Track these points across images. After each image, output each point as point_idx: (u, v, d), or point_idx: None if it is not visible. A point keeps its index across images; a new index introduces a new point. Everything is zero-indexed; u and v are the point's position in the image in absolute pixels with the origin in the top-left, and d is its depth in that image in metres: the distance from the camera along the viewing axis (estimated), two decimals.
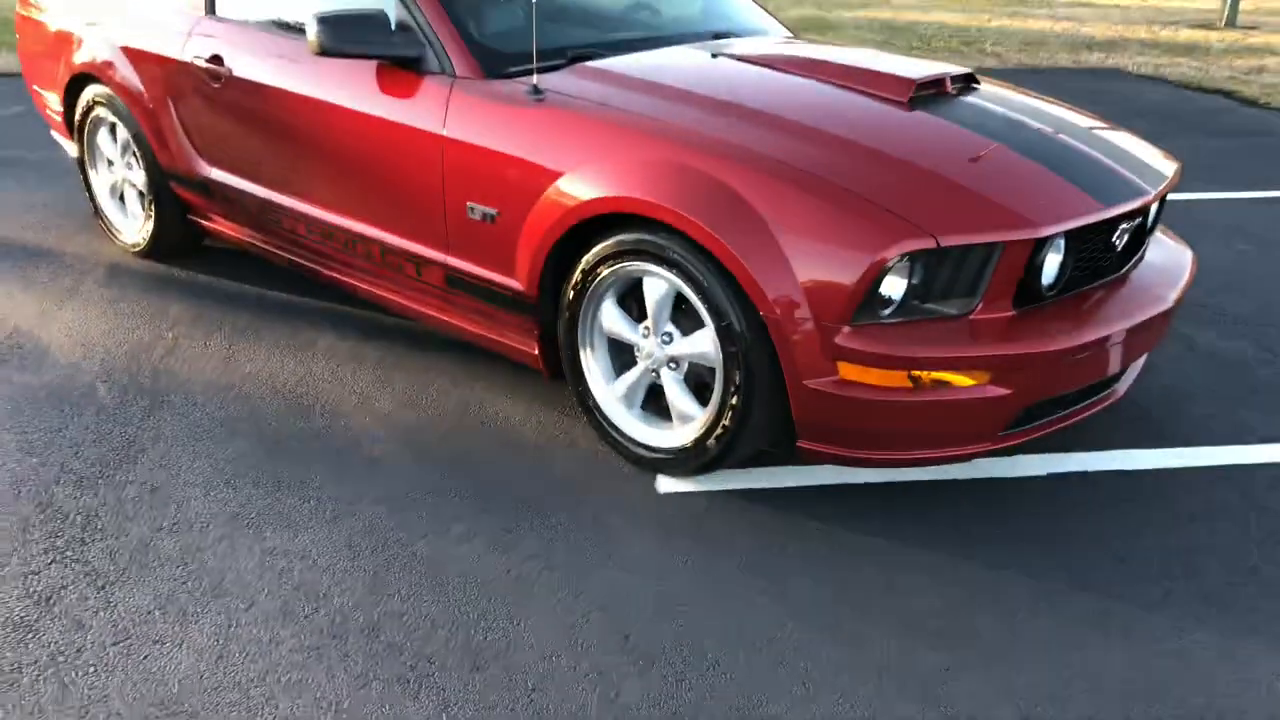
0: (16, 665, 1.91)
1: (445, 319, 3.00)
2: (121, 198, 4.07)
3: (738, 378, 2.34)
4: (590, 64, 2.82)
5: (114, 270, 3.87)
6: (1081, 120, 2.88)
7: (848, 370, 2.23)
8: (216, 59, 3.36)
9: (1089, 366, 2.40)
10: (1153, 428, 2.86)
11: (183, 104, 3.56)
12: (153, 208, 3.82)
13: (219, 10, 3.48)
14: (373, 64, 2.92)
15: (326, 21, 2.76)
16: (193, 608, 2.07)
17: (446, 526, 2.37)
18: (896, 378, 2.22)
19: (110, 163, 4.02)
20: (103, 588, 2.12)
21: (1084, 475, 2.63)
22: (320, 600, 2.10)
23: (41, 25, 4.16)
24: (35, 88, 4.36)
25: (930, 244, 2.17)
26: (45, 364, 3.13)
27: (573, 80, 2.72)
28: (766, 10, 3.77)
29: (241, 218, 3.55)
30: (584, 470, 2.61)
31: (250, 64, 3.26)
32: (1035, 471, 2.64)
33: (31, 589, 2.12)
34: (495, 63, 2.79)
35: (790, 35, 3.57)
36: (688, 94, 2.62)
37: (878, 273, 2.17)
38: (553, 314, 2.73)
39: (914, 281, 2.22)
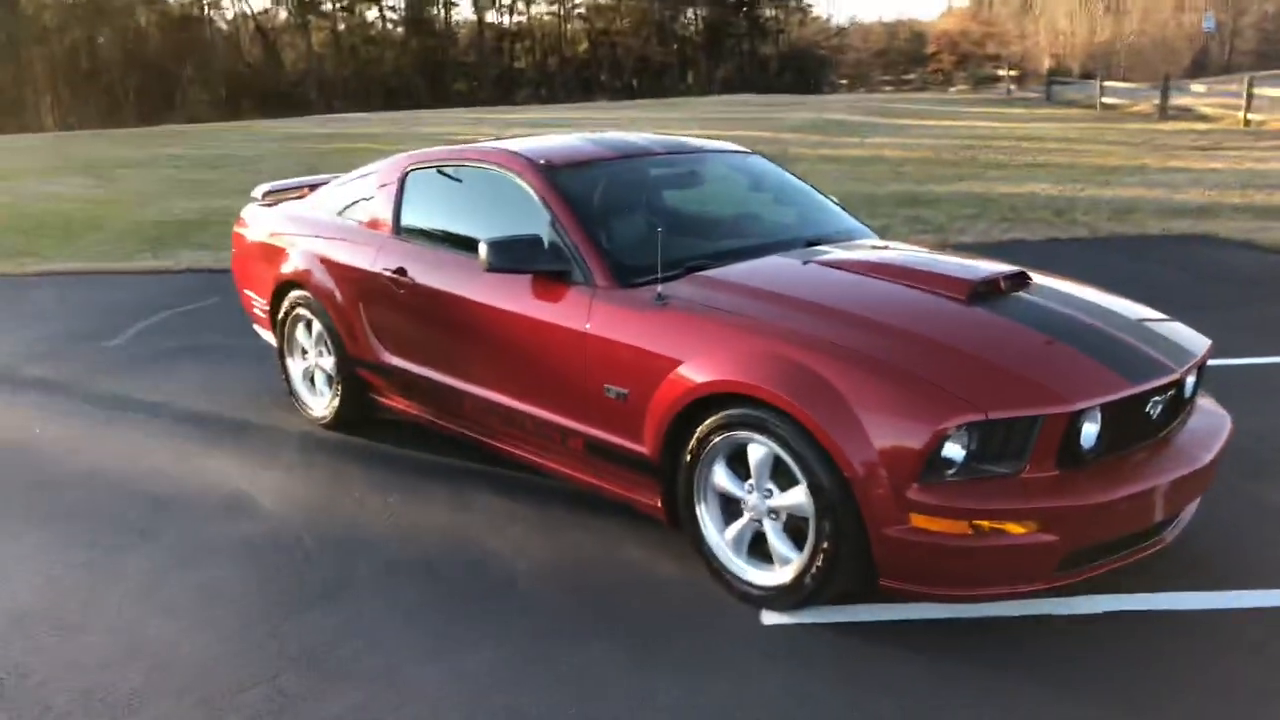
0: None
1: (584, 478, 3.62)
2: (312, 380, 4.88)
3: (827, 526, 2.86)
4: (702, 274, 3.48)
5: (305, 440, 4.64)
6: (1119, 306, 3.39)
7: (919, 520, 2.73)
8: (401, 270, 4.17)
9: (1128, 517, 2.84)
10: (1204, 572, 3.22)
11: (369, 305, 4.37)
12: (339, 388, 4.60)
13: (402, 232, 4.32)
14: (528, 275, 3.65)
15: (495, 246, 3.51)
16: (394, 704, 2.65)
17: (586, 648, 2.90)
18: (960, 526, 2.72)
19: (304, 352, 4.86)
20: (325, 689, 2.72)
21: (1139, 614, 3.01)
22: (492, 701, 2.65)
23: (255, 241, 5.12)
24: (246, 291, 5.30)
25: (981, 417, 2.70)
26: (261, 516, 3.85)
27: (688, 288, 3.38)
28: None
29: (415, 396, 4.29)
30: (700, 604, 3.13)
31: (429, 275, 4.06)
32: (1093, 609, 3.03)
33: (280, 689, 2.73)
34: (627, 275, 3.49)
35: (873, 235, 4.20)
36: (781, 297, 3.25)
37: (939, 440, 2.70)
38: (672, 474, 3.30)
39: (971, 447, 2.74)
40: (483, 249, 3.53)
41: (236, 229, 5.37)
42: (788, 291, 3.29)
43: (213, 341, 6.39)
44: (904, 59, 68.37)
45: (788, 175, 4.57)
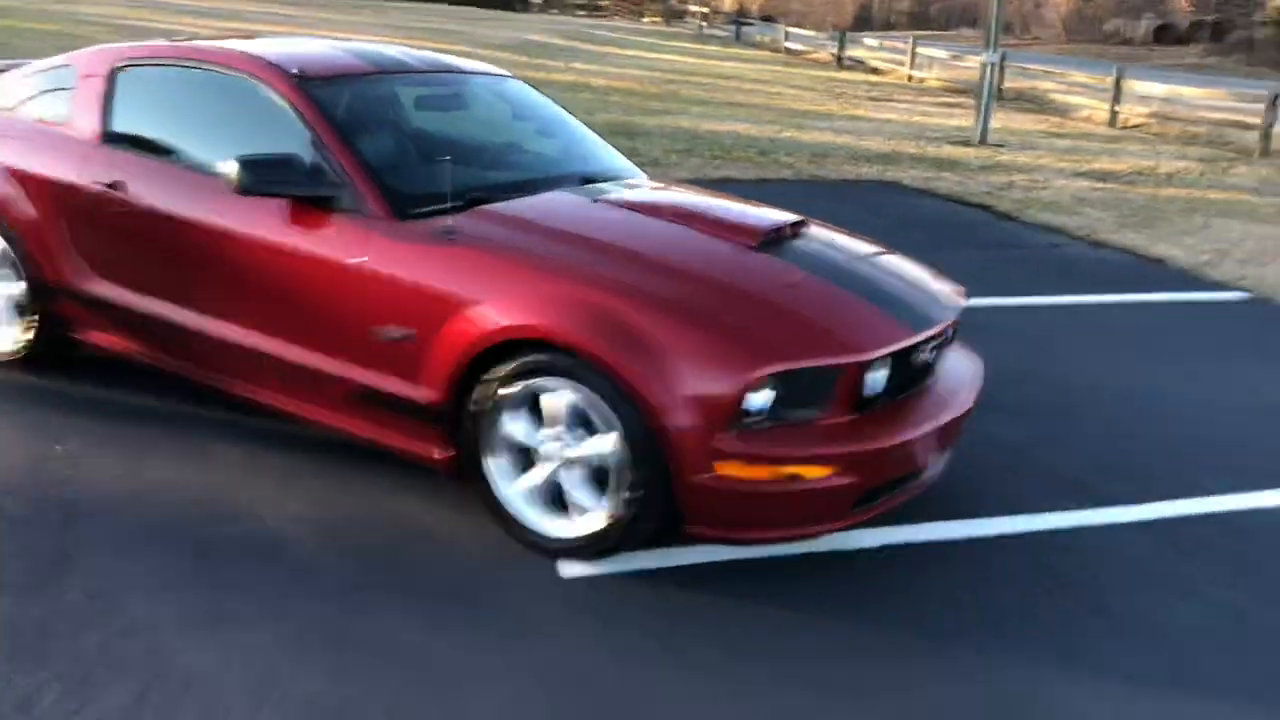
0: None
1: (351, 428, 3.31)
2: None
3: (632, 475, 2.79)
4: (489, 207, 3.25)
5: None
6: (890, 258, 3.55)
7: (724, 467, 2.73)
8: (115, 184, 3.57)
9: (911, 457, 3.00)
10: (953, 504, 3.50)
11: (73, 224, 3.72)
12: (33, 319, 3.91)
13: (115, 140, 3.69)
14: (283, 200, 3.23)
15: (251, 165, 3.08)
16: (170, 701, 2.29)
17: (380, 615, 2.67)
18: (763, 472, 2.74)
19: None
20: (77, 689, 2.31)
21: (906, 545, 3.22)
22: (286, 687, 2.37)
23: None
24: None
25: (789, 366, 2.72)
26: None
27: (477, 222, 3.14)
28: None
29: (134, 332, 3.72)
30: (495, 560, 2.98)
31: (153, 192, 3.51)
32: (869, 543, 3.21)
33: (25, 694, 2.27)
34: (404, 204, 3.18)
35: (640, 174, 4.12)
36: (578, 237, 3.10)
37: (748, 389, 2.69)
38: (458, 422, 3.09)
39: (776, 395, 2.76)
40: (232, 168, 3.08)
41: None
42: (584, 231, 3.15)
43: None
44: None
45: (553, 105, 4.37)
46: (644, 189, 3.74)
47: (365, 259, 3.08)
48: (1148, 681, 2.65)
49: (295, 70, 3.47)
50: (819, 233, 3.54)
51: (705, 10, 35.42)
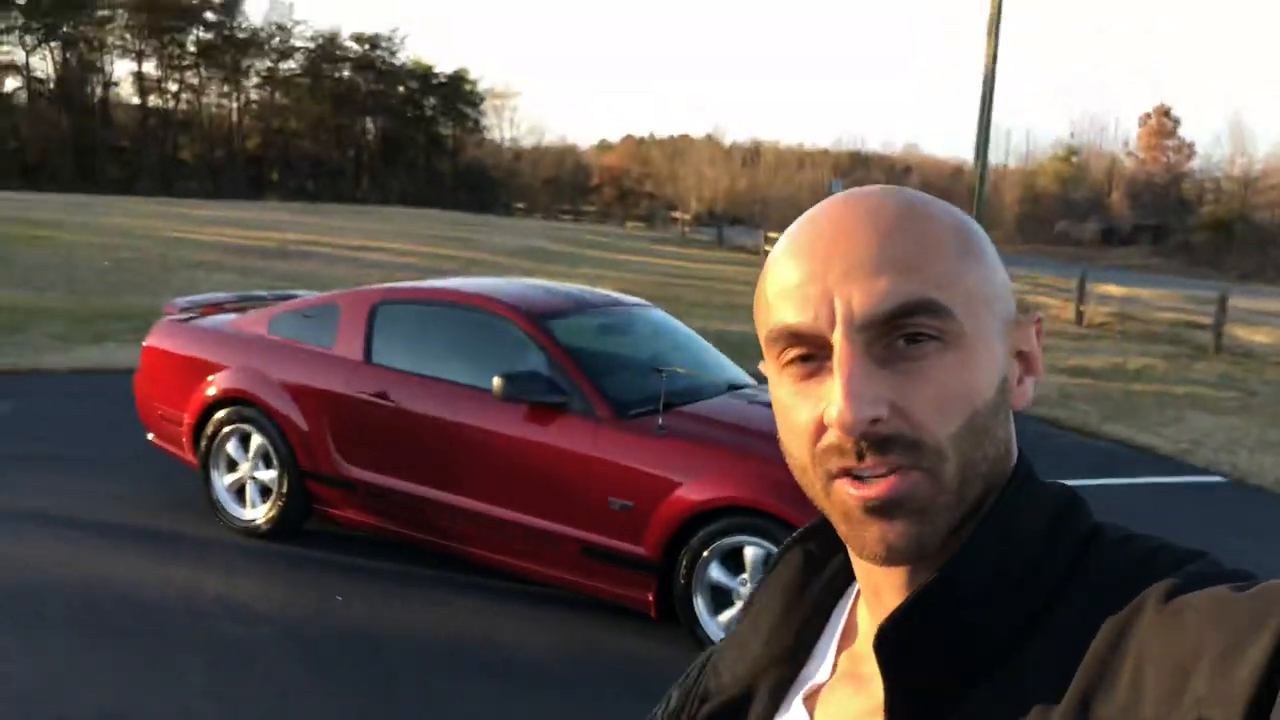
0: None
1: (571, 578, 4.30)
2: (239, 492, 5.10)
3: None
4: (683, 409, 4.37)
5: (243, 547, 4.87)
6: None
7: None
8: (382, 394, 4.67)
9: None
10: None
11: (337, 423, 4.78)
12: (283, 499, 4.90)
13: (375, 359, 4.82)
14: (524, 405, 4.34)
15: (510, 379, 4.21)
16: None
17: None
18: None
19: (234, 464, 5.09)
20: None
21: None
22: None
23: (181, 355, 5.29)
24: (159, 406, 5.36)
25: None
26: (258, 620, 4.14)
27: (677, 420, 4.26)
28: None
29: (381, 507, 4.73)
30: None
31: (415, 399, 4.61)
32: None
33: None
34: (623, 408, 4.30)
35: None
36: (751, 429, 4.22)
37: None
38: (668, 571, 4.09)
39: None
40: (497, 381, 4.21)
41: (151, 343, 5.47)
42: (753, 425, 4.27)
43: (57, 451, 6.22)
44: (570, 188, 72.69)
45: (684, 326, 5.59)
46: None
47: (595, 448, 4.17)
48: None
49: (527, 308, 4.66)
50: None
51: (687, 216, 38.09)
